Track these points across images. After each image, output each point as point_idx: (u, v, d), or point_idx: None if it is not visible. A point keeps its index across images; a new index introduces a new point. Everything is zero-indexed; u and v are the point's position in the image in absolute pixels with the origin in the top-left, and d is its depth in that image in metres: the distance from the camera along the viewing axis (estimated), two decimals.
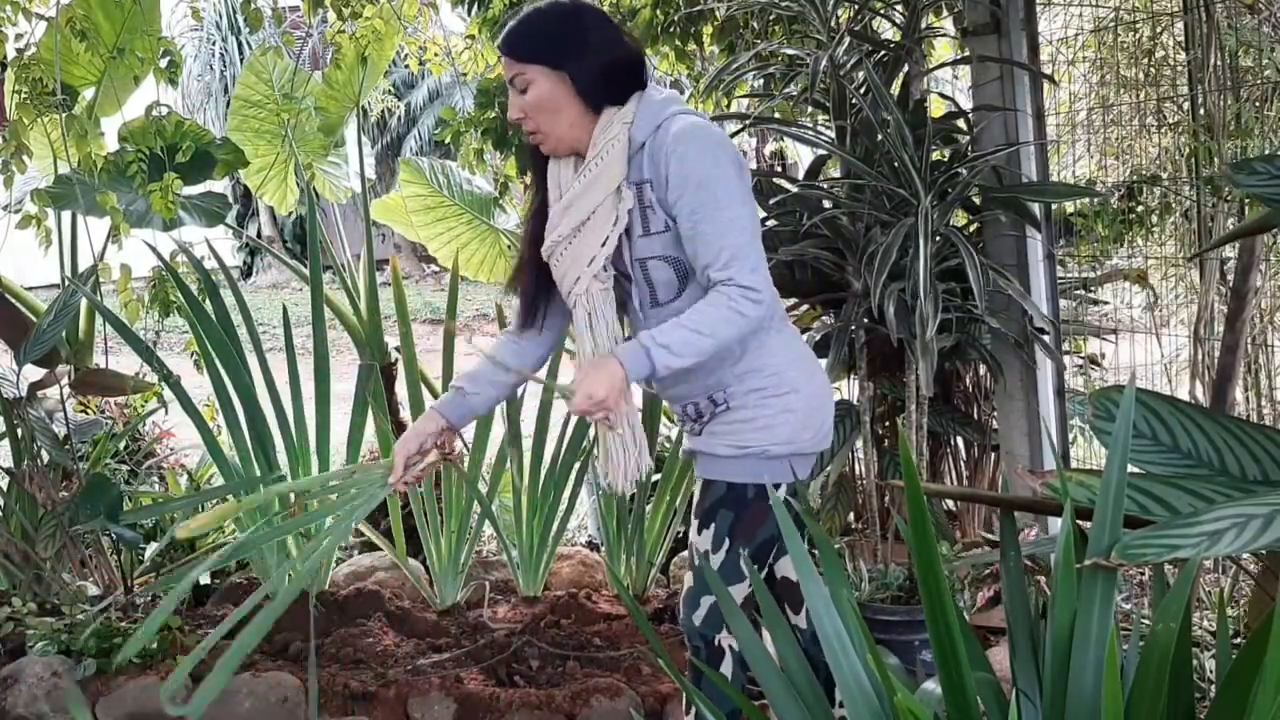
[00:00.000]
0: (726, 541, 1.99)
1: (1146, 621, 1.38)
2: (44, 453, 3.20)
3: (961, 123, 2.97)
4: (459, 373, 2.21)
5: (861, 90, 2.79)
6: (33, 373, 3.20)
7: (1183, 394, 3.04)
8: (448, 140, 3.90)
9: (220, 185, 4.13)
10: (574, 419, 3.23)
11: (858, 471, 3.26)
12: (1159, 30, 3.26)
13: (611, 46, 1.96)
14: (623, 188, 1.94)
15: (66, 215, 3.63)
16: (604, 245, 1.95)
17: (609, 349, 1.96)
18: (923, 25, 2.93)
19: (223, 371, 3.26)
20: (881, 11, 3.07)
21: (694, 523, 2.04)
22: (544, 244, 2.02)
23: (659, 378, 1.89)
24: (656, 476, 3.41)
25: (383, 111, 5.23)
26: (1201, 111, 2.98)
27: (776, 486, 1.97)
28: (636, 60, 2.00)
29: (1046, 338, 2.82)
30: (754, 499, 1.98)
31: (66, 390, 3.32)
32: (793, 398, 1.97)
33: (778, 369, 1.97)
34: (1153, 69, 3.27)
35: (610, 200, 1.94)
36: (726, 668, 2.02)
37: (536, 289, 2.09)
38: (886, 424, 3.18)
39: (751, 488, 1.98)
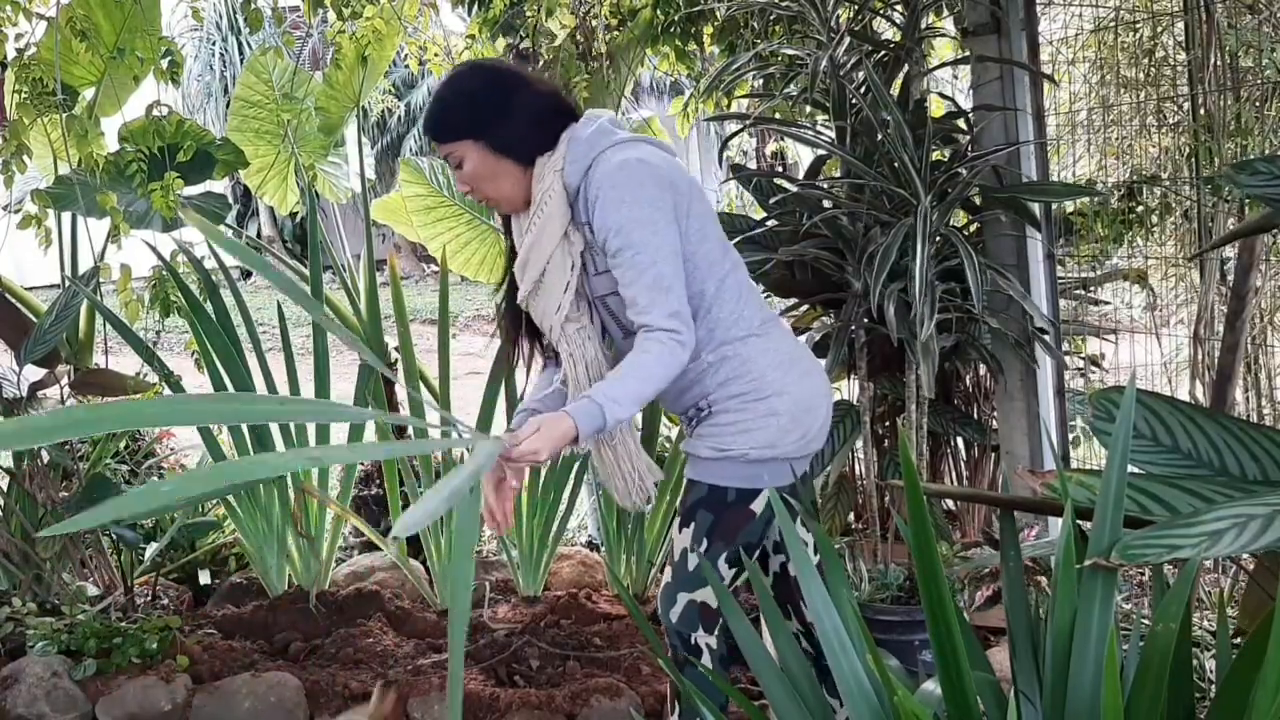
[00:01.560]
0: (705, 541, 2.02)
1: (1146, 621, 1.38)
2: (44, 453, 3.20)
3: (961, 123, 2.97)
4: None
5: (861, 90, 2.79)
6: (33, 373, 3.20)
7: (1183, 394, 3.04)
8: None
9: (220, 185, 4.14)
10: None
11: (858, 471, 3.26)
12: (1159, 30, 3.26)
13: (522, 99, 1.98)
14: (570, 232, 1.98)
15: (66, 215, 3.63)
16: (565, 291, 2.00)
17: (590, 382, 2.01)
18: (923, 25, 2.93)
19: (223, 371, 3.27)
20: (881, 11, 3.07)
21: (676, 520, 2.08)
22: (518, 295, 2.08)
23: (608, 429, 1.92)
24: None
25: (383, 111, 5.24)
26: (1201, 111, 2.98)
27: (756, 492, 2.00)
28: (553, 102, 2.02)
29: (1046, 338, 2.82)
30: (734, 502, 2.01)
31: (66, 390, 3.32)
32: (776, 401, 1.98)
33: (758, 373, 1.99)
34: (1153, 69, 3.27)
35: (561, 248, 1.98)
36: (705, 665, 2.04)
37: (528, 332, 2.15)
38: (886, 424, 3.18)
39: (733, 491, 2.00)
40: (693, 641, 2.04)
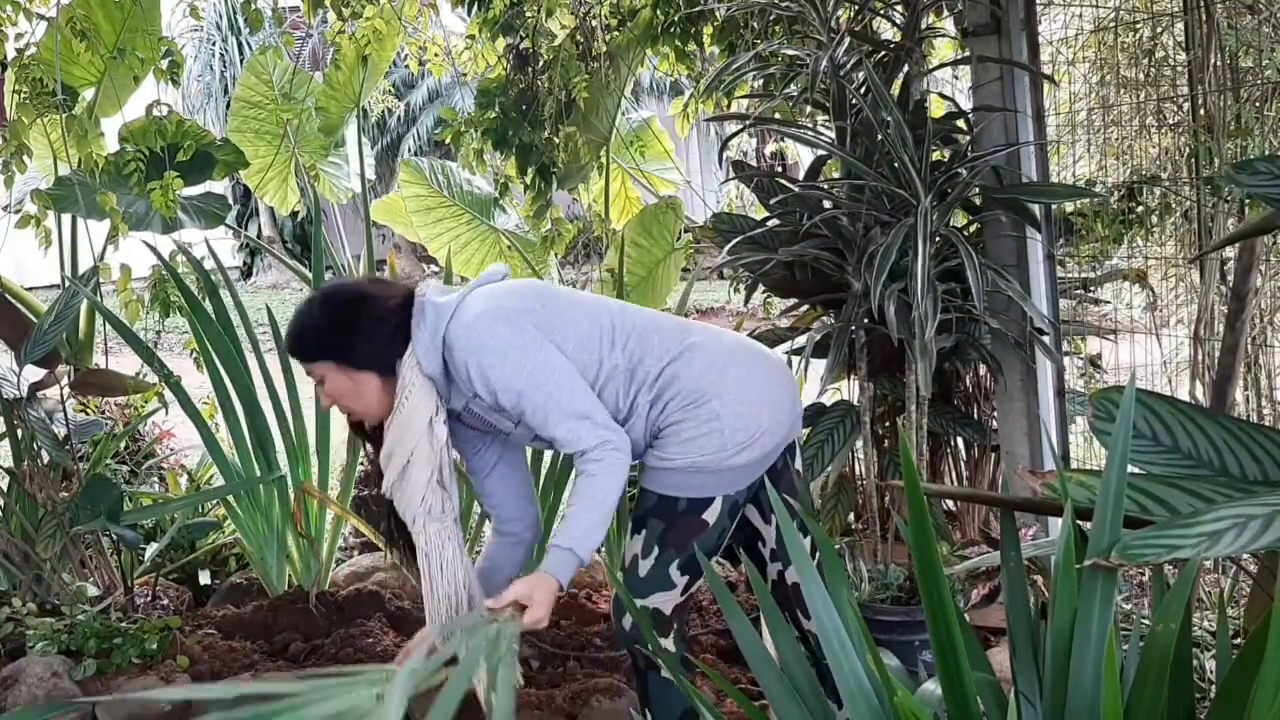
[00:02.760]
0: (656, 549, 2.03)
1: (1146, 621, 1.38)
2: (44, 453, 3.20)
3: (961, 123, 2.97)
4: None
5: (861, 91, 2.79)
6: (33, 373, 3.20)
7: (1183, 394, 3.04)
8: (448, 140, 3.91)
9: (220, 186, 4.13)
10: None
11: (858, 471, 3.26)
12: (1159, 30, 3.26)
13: (370, 317, 2.02)
14: (434, 423, 2.00)
15: (66, 215, 3.63)
16: (429, 482, 2.03)
17: (448, 593, 2.09)
18: (923, 25, 2.93)
19: (222, 371, 3.27)
20: (881, 12, 3.07)
21: (630, 527, 2.09)
22: (383, 484, 2.11)
23: (586, 563, 1.96)
24: None
25: (383, 111, 5.23)
26: (1201, 111, 2.98)
27: (709, 501, 2.00)
28: (399, 307, 2.04)
29: (1046, 338, 2.82)
30: (685, 511, 2.02)
31: (66, 390, 3.32)
32: (716, 404, 1.99)
33: (691, 383, 2.01)
34: (1153, 69, 3.27)
35: (424, 439, 2.01)
36: (665, 674, 2.04)
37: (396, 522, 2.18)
38: (886, 424, 3.18)
39: (684, 500, 2.01)
40: (648, 648, 2.04)
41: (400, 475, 2.05)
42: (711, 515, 2.02)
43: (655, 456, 2.02)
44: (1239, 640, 2.07)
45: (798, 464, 2.22)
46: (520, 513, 2.24)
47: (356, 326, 2.01)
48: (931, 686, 1.60)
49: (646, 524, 2.04)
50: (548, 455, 3.32)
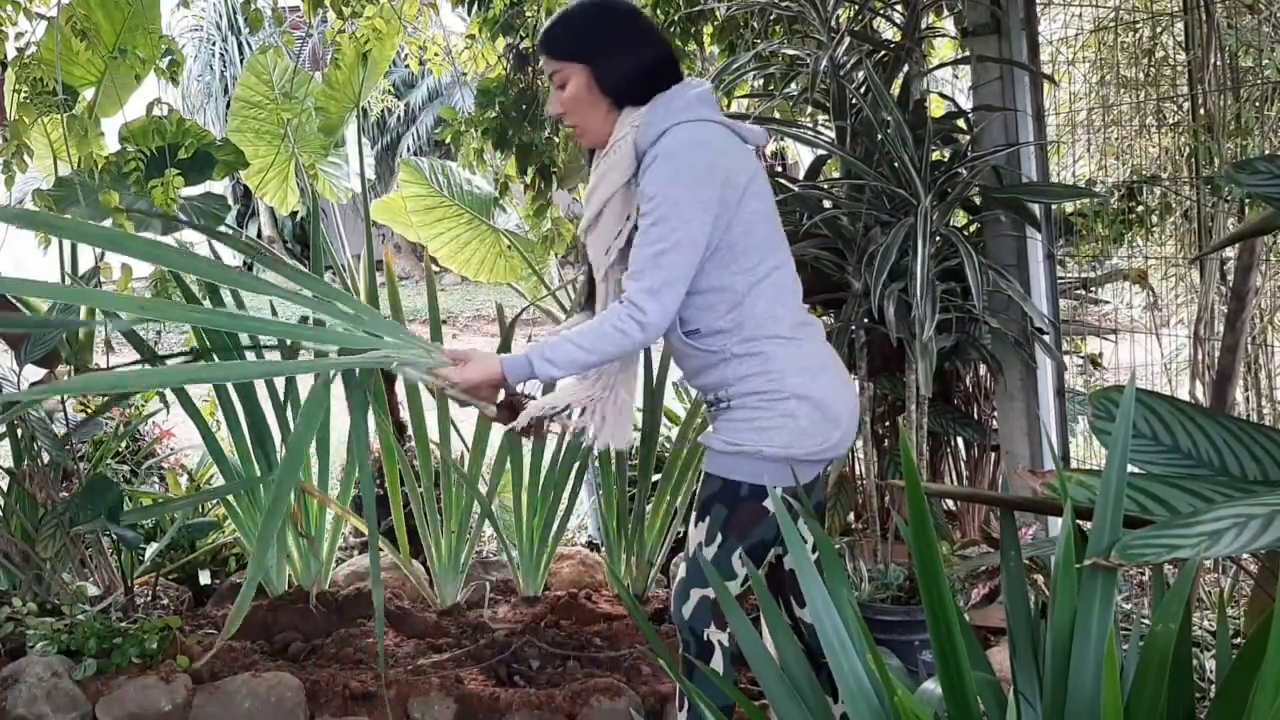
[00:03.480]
0: (720, 536, 2.02)
1: (1146, 621, 1.38)
2: (44, 453, 3.20)
3: (961, 123, 2.97)
4: None
5: (861, 90, 2.79)
6: (33, 373, 3.20)
7: (1183, 394, 3.04)
8: (448, 140, 3.90)
9: (220, 186, 4.13)
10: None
11: (858, 471, 3.26)
12: (1159, 30, 3.27)
13: (638, 46, 2.02)
14: (632, 185, 1.99)
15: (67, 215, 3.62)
16: (616, 238, 2.02)
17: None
18: (923, 25, 2.93)
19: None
20: (881, 11, 3.07)
21: (693, 514, 2.08)
22: (580, 225, 2.13)
23: (542, 382, 2.00)
24: (657, 477, 3.41)
25: (382, 111, 5.24)
26: (1201, 111, 2.98)
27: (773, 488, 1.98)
28: (664, 62, 2.04)
29: (1046, 338, 2.82)
30: (747, 497, 2.00)
31: None
32: (795, 404, 1.98)
33: (779, 375, 1.98)
34: (1153, 69, 3.27)
35: (620, 195, 2.00)
36: (717, 663, 2.04)
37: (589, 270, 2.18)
38: (886, 424, 3.18)
39: (746, 486, 2.00)
40: (705, 638, 2.03)
41: (594, 220, 2.05)
42: (772, 503, 2.01)
43: (722, 440, 2.01)
44: (1239, 640, 2.07)
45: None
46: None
47: (618, 40, 2.01)
48: (931, 686, 1.60)
49: (710, 510, 2.03)
50: (547, 455, 3.32)
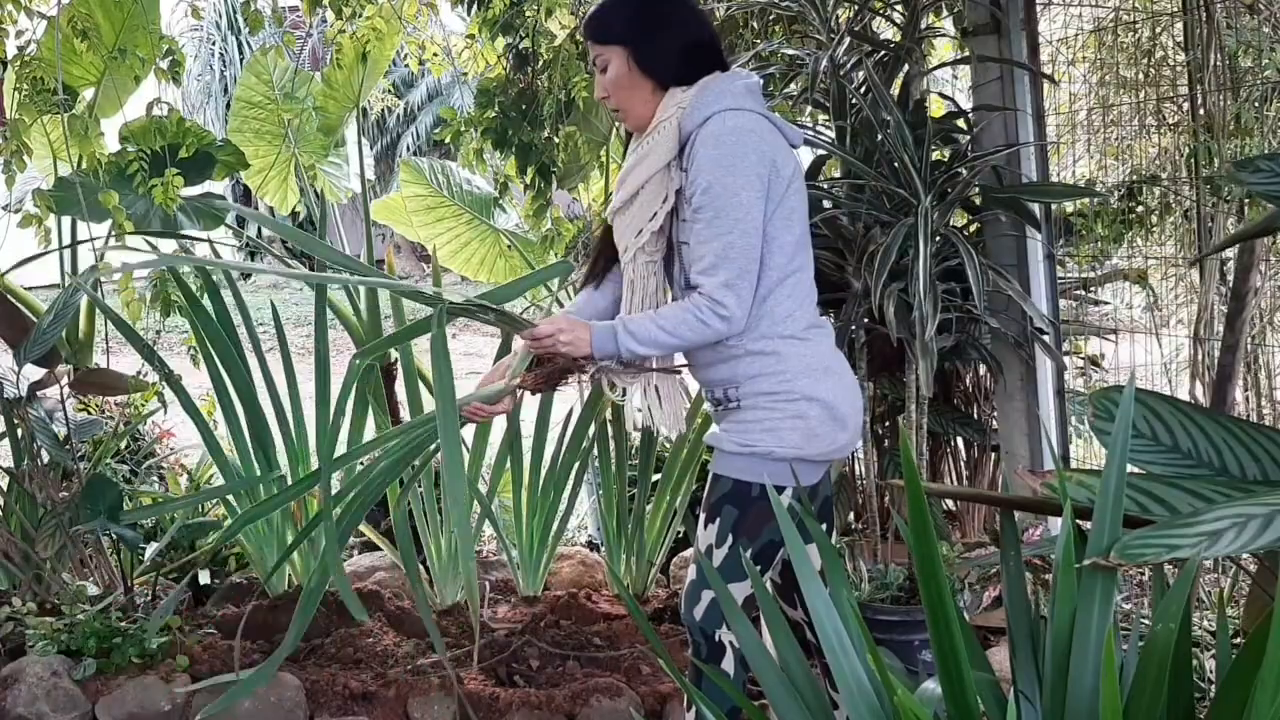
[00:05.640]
0: (730, 538, 2.01)
1: (1146, 621, 1.38)
2: (44, 452, 3.20)
3: (961, 123, 2.97)
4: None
5: (861, 90, 2.79)
6: (33, 372, 3.19)
7: (1183, 394, 3.04)
8: (448, 140, 3.90)
9: (220, 186, 4.13)
10: (575, 416, 3.25)
11: (858, 471, 3.26)
12: (1159, 30, 3.27)
13: (682, 28, 2.03)
14: (673, 167, 1.99)
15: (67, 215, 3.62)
16: (651, 220, 2.02)
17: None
18: (923, 25, 2.93)
19: (222, 370, 3.27)
20: (881, 11, 3.07)
21: (701, 516, 2.07)
22: (609, 208, 2.13)
23: (621, 359, 2.01)
24: (657, 477, 3.41)
25: (382, 111, 5.24)
26: (1201, 111, 2.98)
27: (780, 489, 1.98)
28: (707, 44, 2.05)
29: (1046, 338, 2.82)
30: (758, 498, 2.00)
31: (66, 390, 3.32)
32: (805, 405, 1.98)
33: (790, 377, 1.99)
34: (1152, 69, 3.27)
35: (660, 177, 2.00)
36: (728, 664, 2.03)
37: (605, 247, 2.19)
38: (886, 424, 3.18)
39: (756, 486, 2.00)
40: (716, 639, 2.02)
41: (627, 201, 2.05)
42: (784, 502, 2.01)
43: (733, 441, 2.01)
44: (1239, 640, 2.07)
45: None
46: (600, 298, 2.23)
47: (660, 22, 2.01)
48: (931, 686, 1.60)
49: (720, 512, 2.02)
50: (547, 456, 3.32)
